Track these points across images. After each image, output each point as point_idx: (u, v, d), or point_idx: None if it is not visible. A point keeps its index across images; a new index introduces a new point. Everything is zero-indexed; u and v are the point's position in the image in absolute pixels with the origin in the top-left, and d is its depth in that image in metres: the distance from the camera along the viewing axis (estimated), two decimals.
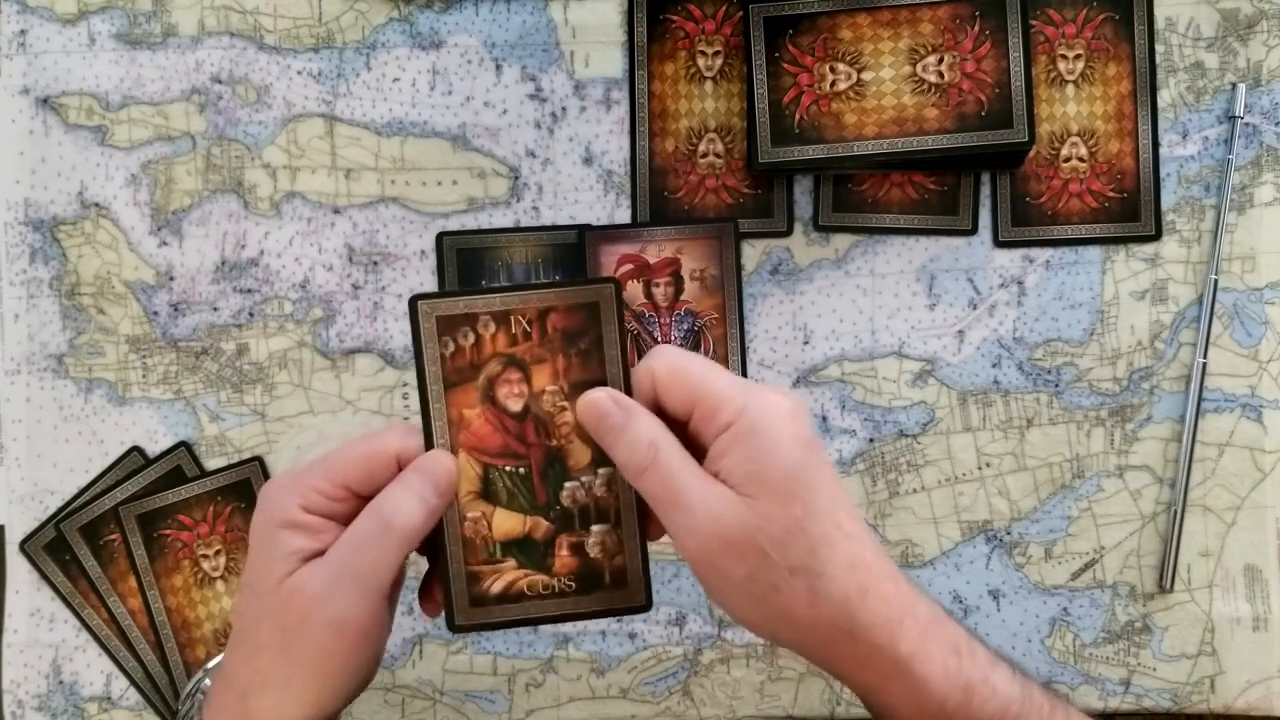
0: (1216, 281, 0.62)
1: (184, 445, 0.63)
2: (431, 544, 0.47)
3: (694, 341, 0.62)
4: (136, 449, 0.63)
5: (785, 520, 0.42)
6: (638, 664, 0.63)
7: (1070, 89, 0.63)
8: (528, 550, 0.47)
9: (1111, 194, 0.63)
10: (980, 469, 0.63)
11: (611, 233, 0.62)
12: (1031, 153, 0.62)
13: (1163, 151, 0.63)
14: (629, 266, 0.62)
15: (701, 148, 0.63)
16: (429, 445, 0.46)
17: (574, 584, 0.47)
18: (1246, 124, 0.62)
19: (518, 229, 0.63)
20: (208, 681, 0.48)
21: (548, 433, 0.47)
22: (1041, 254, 0.63)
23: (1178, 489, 0.62)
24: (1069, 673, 0.62)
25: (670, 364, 0.45)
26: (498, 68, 0.63)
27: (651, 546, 0.48)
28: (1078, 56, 0.63)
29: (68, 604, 0.62)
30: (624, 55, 0.63)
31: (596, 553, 0.47)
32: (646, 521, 0.47)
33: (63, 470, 0.63)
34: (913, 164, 0.62)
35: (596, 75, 0.63)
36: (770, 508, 0.42)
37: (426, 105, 0.63)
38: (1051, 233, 0.63)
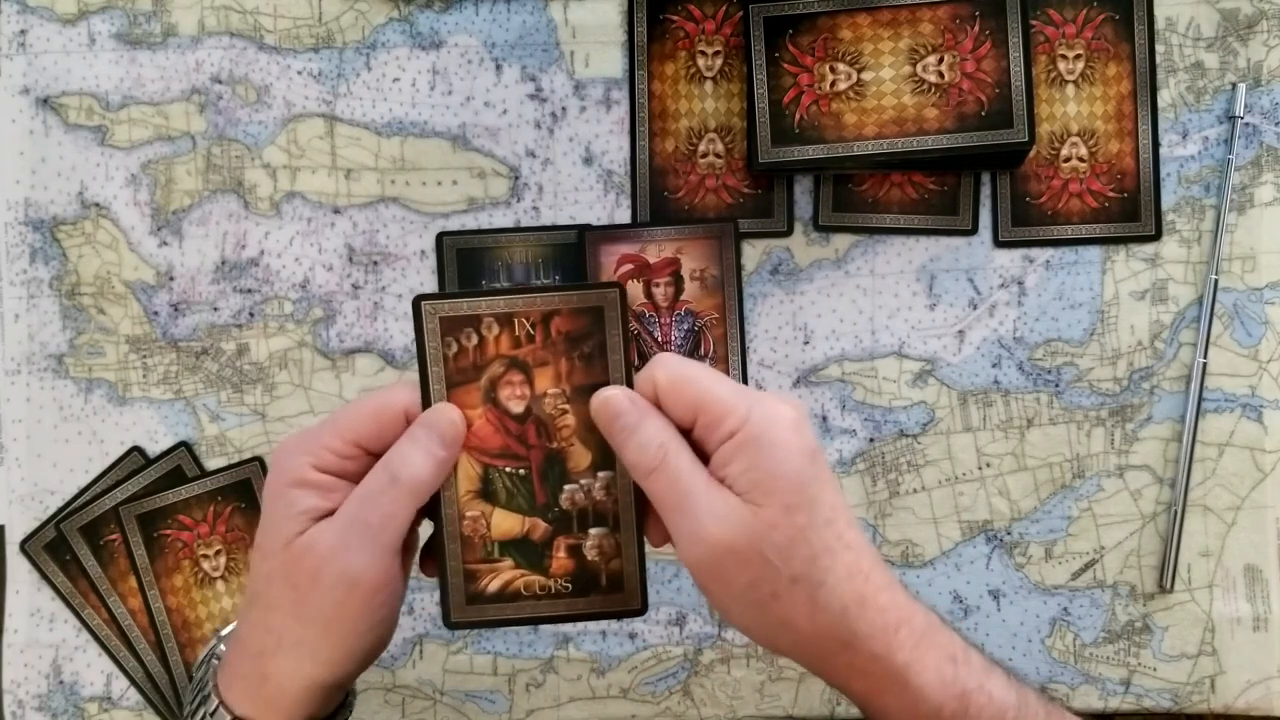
0: (1217, 281, 0.62)
1: (184, 445, 0.63)
2: (431, 502, 0.47)
3: (694, 341, 0.62)
4: (137, 449, 0.63)
5: (789, 529, 0.43)
6: (638, 664, 0.63)
7: (1070, 89, 0.63)
8: (525, 551, 0.47)
9: (1112, 194, 0.63)
10: (980, 469, 0.63)
11: (611, 233, 0.62)
12: (1031, 153, 0.62)
13: (1163, 151, 0.63)
14: (629, 266, 0.62)
15: (701, 148, 0.63)
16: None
17: (570, 586, 0.47)
18: (1246, 124, 0.62)
19: (518, 229, 0.63)
20: (222, 647, 0.49)
21: (549, 435, 0.47)
22: (1041, 254, 0.63)
23: (1178, 489, 0.62)
24: (1069, 673, 0.62)
25: (672, 372, 0.45)
26: (498, 68, 0.63)
27: (650, 549, 0.48)
28: (1078, 56, 0.63)
29: (68, 604, 0.62)
30: (624, 55, 0.63)
31: (594, 555, 0.47)
32: (646, 527, 0.47)
33: (63, 470, 0.63)
34: (913, 164, 0.62)
35: (596, 75, 0.63)
36: (775, 516, 0.43)
37: (426, 105, 0.63)
38: (1051, 233, 0.63)
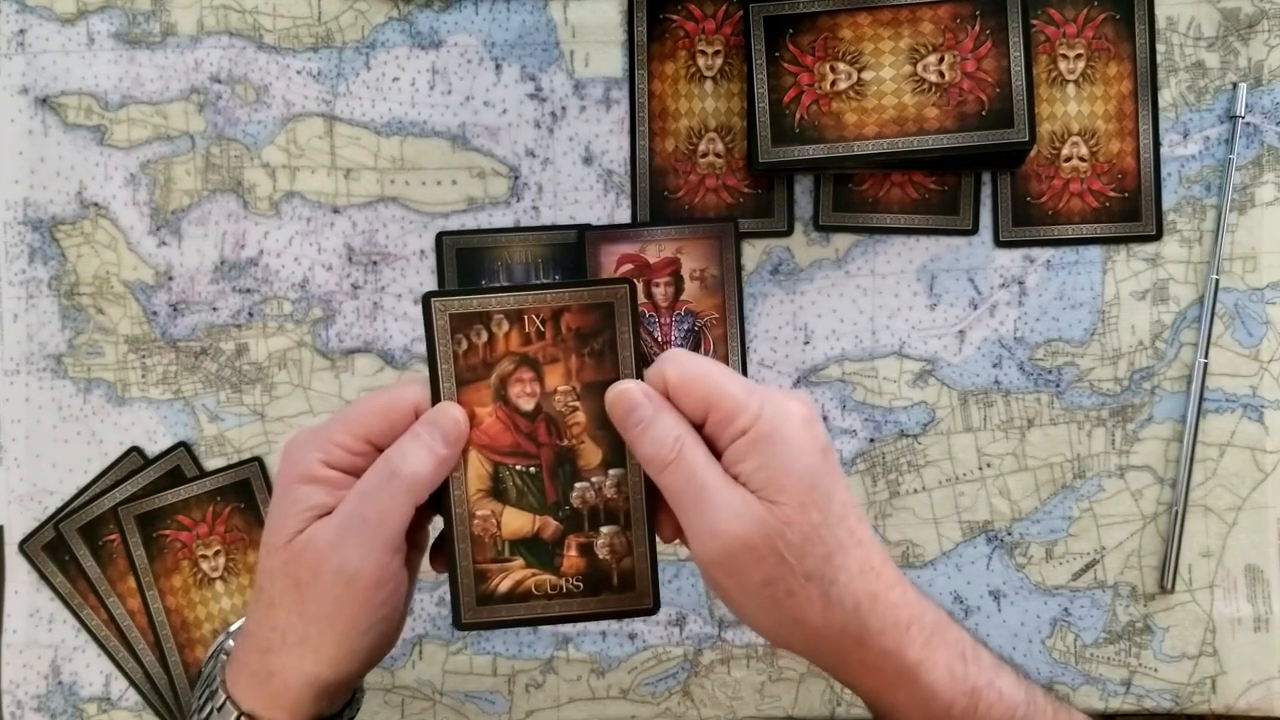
0: (1217, 281, 0.62)
1: (183, 445, 0.63)
2: (441, 500, 0.47)
3: (694, 341, 0.62)
4: (136, 449, 0.63)
5: (804, 526, 0.43)
6: (638, 664, 0.63)
7: (1071, 88, 0.63)
8: (536, 550, 0.47)
9: (1112, 194, 0.63)
10: (981, 469, 0.63)
11: (611, 233, 0.62)
12: (1032, 152, 0.62)
13: (1164, 151, 0.63)
14: (629, 266, 0.62)
15: (701, 147, 0.63)
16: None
17: (581, 585, 0.47)
18: (1247, 123, 0.62)
19: (517, 229, 0.63)
20: (231, 642, 0.49)
21: (559, 432, 0.47)
22: (1042, 254, 0.63)
23: (1179, 489, 0.62)
24: (1070, 673, 0.62)
25: (684, 369, 0.45)
26: (497, 67, 0.63)
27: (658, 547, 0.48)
28: (1078, 56, 0.63)
29: (67, 604, 0.62)
30: (624, 55, 0.63)
31: (605, 554, 0.47)
32: (656, 522, 0.47)
33: (62, 470, 0.63)
34: (913, 164, 0.62)
35: (596, 75, 0.63)
36: (790, 513, 0.43)
37: (426, 105, 0.63)
38: (1052, 232, 0.63)
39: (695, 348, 0.62)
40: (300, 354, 0.63)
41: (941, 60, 0.60)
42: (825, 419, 0.63)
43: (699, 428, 0.45)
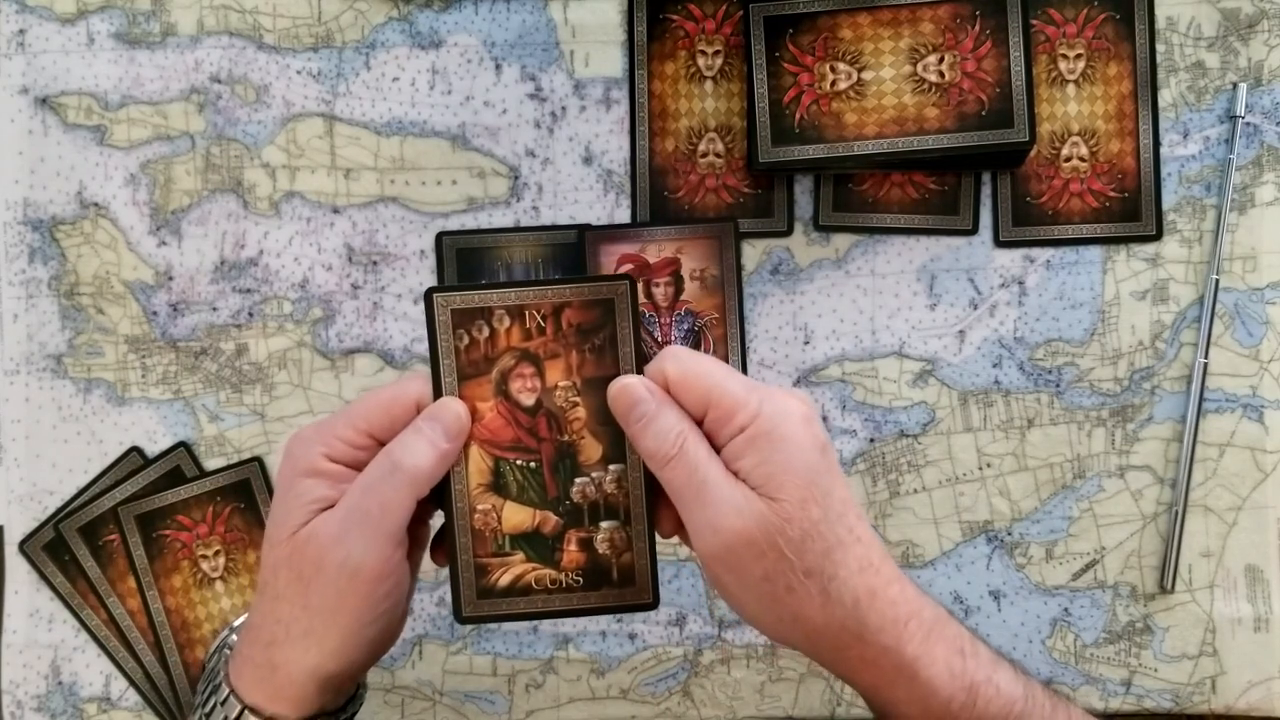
0: (1218, 281, 0.62)
1: (183, 445, 0.63)
2: (442, 495, 0.47)
3: (694, 341, 0.62)
4: (135, 449, 0.63)
5: (804, 523, 0.43)
6: (638, 664, 0.63)
7: (1071, 88, 0.63)
8: (536, 544, 0.47)
9: (1112, 194, 0.63)
10: (981, 469, 0.63)
11: (611, 232, 0.62)
12: (1032, 152, 0.62)
13: (1164, 151, 0.63)
14: (629, 266, 0.62)
15: (701, 147, 0.63)
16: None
17: (581, 579, 0.47)
18: (1247, 123, 0.62)
19: (517, 229, 0.63)
20: (234, 638, 0.49)
21: (559, 428, 0.47)
22: (1042, 254, 0.63)
23: (1179, 489, 0.62)
24: (1070, 673, 0.62)
25: (683, 366, 0.45)
26: (497, 67, 0.63)
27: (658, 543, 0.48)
28: (1078, 56, 0.63)
29: (67, 604, 0.62)
30: (624, 55, 0.63)
31: (605, 549, 0.47)
32: (656, 517, 0.48)
33: (62, 470, 0.63)
34: (913, 164, 0.62)
35: (596, 75, 0.63)
36: (790, 510, 0.43)
37: (426, 105, 0.63)
38: (1052, 232, 0.63)
39: (695, 348, 0.62)
40: (300, 354, 0.63)
41: (941, 60, 0.60)
42: (825, 419, 0.63)
43: (698, 424, 0.45)
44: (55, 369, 0.63)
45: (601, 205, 0.63)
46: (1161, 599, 0.62)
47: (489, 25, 0.63)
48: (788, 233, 0.63)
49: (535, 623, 0.62)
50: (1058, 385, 0.63)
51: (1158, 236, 0.63)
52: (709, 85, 0.63)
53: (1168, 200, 0.63)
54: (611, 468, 0.47)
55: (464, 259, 0.62)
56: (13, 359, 0.63)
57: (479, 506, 0.47)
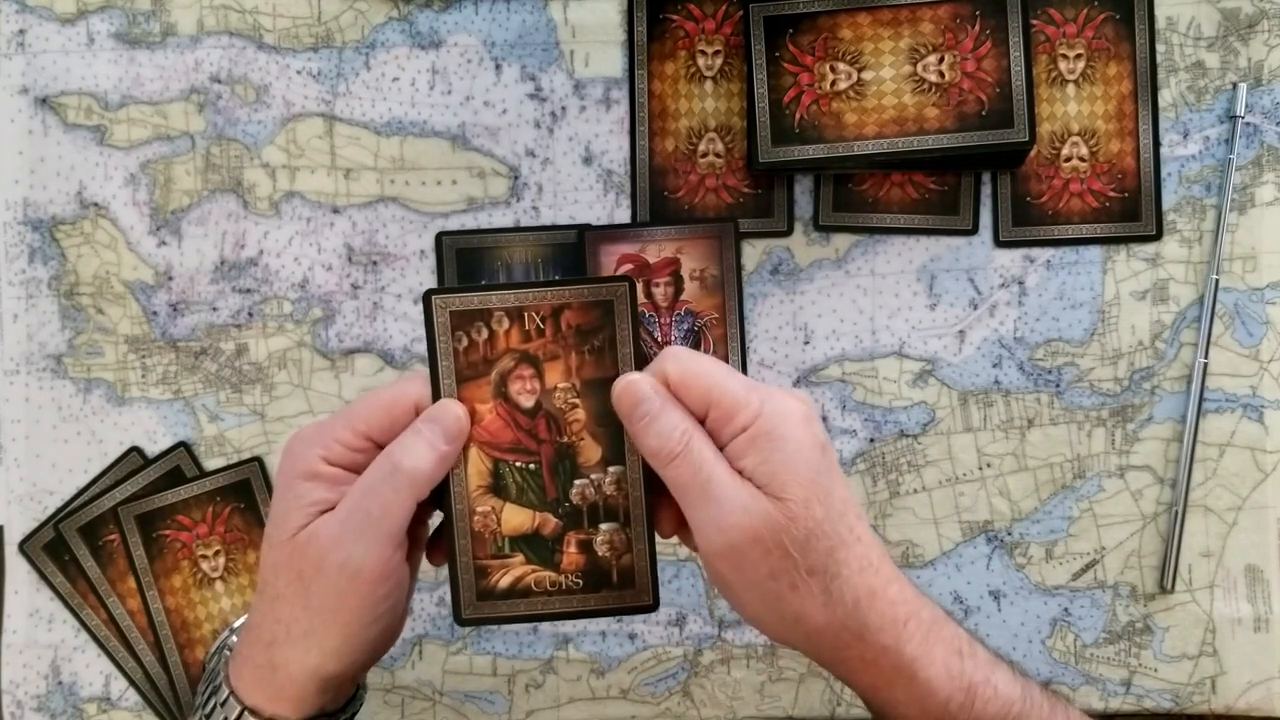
0: (1217, 281, 0.62)
1: (183, 445, 0.63)
2: (442, 496, 0.47)
3: (694, 341, 0.62)
4: (135, 449, 0.63)
5: (808, 522, 0.43)
6: (638, 664, 0.62)
7: (1071, 88, 0.63)
8: (536, 546, 0.47)
9: (1112, 194, 0.63)
10: (981, 469, 0.63)
11: (611, 232, 0.62)
12: (1032, 152, 0.62)
13: (1163, 151, 0.63)
14: (629, 266, 0.62)
15: (701, 147, 0.63)
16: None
17: (581, 582, 0.47)
18: (1247, 123, 0.62)
19: (517, 229, 0.63)
20: (234, 638, 0.49)
21: (559, 429, 0.47)
22: (1042, 254, 0.63)
23: (1179, 489, 0.62)
24: (1070, 673, 0.62)
25: (684, 366, 0.45)
26: (497, 67, 0.63)
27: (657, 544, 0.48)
28: (1078, 56, 0.63)
29: (67, 604, 0.62)
30: (624, 55, 0.63)
31: (604, 551, 0.47)
32: (656, 517, 0.48)
33: (62, 470, 0.63)
34: (913, 164, 0.62)
35: (596, 75, 0.63)
36: (794, 509, 0.43)
37: (426, 105, 0.63)
38: (1052, 232, 0.63)
39: (695, 348, 0.62)
40: (300, 354, 0.63)
41: (941, 60, 0.60)
42: (825, 419, 0.63)
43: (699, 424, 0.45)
44: (55, 369, 0.63)
45: (601, 205, 0.63)
46: (1161, 599, 0.62)
47: (489, 25, 0.63)
48: (788, 233, 0.63)
49: (535, 624, 0.62)
50: (1058, 385, 0.63)
51: (1158, 236, 0.63)
52: (709, 85, 0.63)
53: (1168, 200, 0.63)
54: (611, 470, 0.47)
55: (464, 259, 0.62)
56: (13, 359, 0.63)
57: (478, 508, 0.47)
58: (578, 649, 0.63)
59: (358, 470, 0.45)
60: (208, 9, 0.63)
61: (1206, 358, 0.62)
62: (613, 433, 0.47)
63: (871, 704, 0.47)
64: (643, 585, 0.48)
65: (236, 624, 0.51)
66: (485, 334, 0.46)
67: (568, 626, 0.62)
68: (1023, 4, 0.60)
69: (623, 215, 0.63)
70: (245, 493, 0.63)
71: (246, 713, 0.46)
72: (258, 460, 0.63)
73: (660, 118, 0.63)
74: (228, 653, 0.49)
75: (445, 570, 0.48)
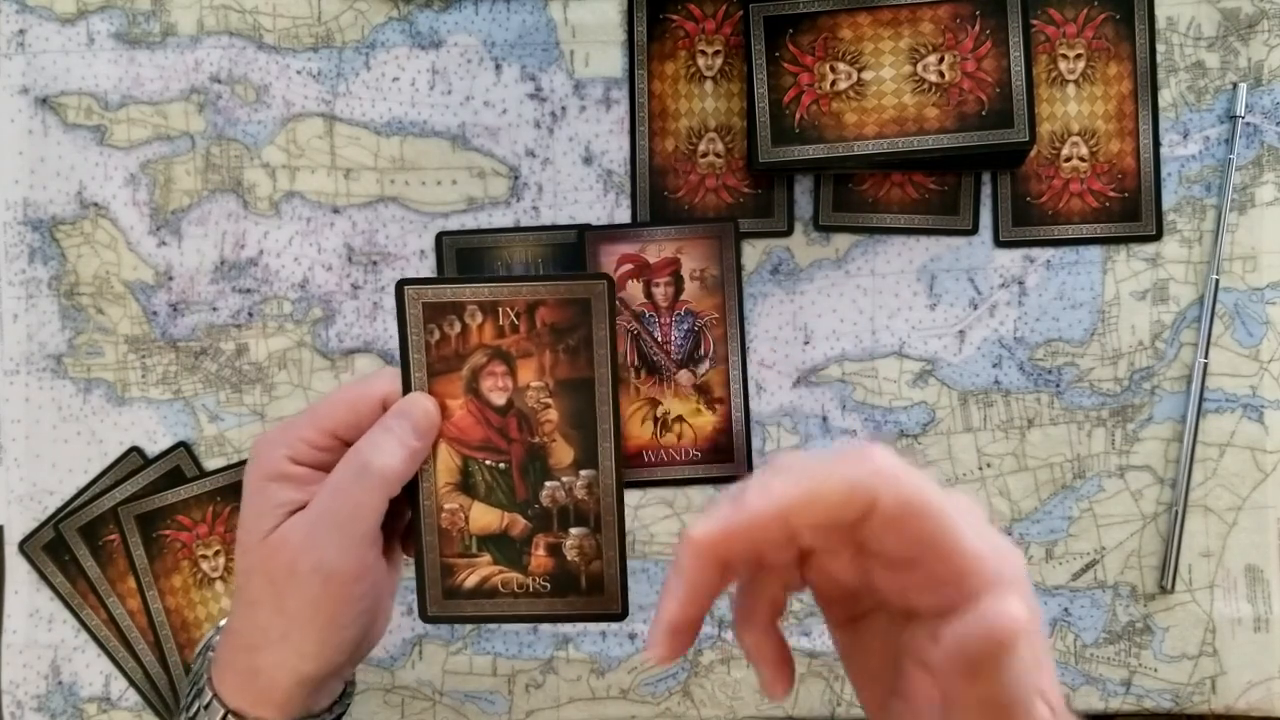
0: (1218, 281, 0.62)
1: (183, 445, 0.63)
2: (414, 494, 0.46)
3: (694, 341, 0.62)
4: (135, 449, 0.63)
5: None
6: (637, 664, 0.62)
7: (1071, 88, 0.63)
8: (504, 547, 0.47)
9: (1112, 194, 0.63)
10: (981, 469, 0.63)
11: (611, 232, 0.62)
12: (1032, 152, 0.62)
13: (1164, 151, 0.63)
14: (629, 266, 0.62)
15: (701, 147, 0.63)
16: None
17: (549, 585, 0.47)
18: (1247, 124, 0.62)
19: (517, 229, 0.63)
20: (218, 639, 0.49)
21: (530, 429, 0.46)
22: (1042, 254, 0.63)
23: (1179, 489, 0.62)
24: (1070, 673, 0.62)
25: (904, 496, 0.34)
26: (497, 67, 0.63)
27: (631, 551, 0.47)
28: (1078, 56, 0.63)
29: (67, 604, 0.62)
30: (624, 55, 0.63)
31: (574, 556, 0.46)
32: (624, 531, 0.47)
33: (61, 470, 0.63)
34: (913, 164, 0.62)
35: (596, 75, 0.63)
36: None
37: (426, 105, 0.63)
38: (1052, 232, 0.63)
39: (695, 348, 0.62)
40: (300, 354, 0.63)
41: (941, 60, 0.60)
42: (825, 419, 0.63)
43: (865, 566, 0.37)
44: (55, 369, 0.63)
45: (601, 205, 0.63)
46: (1161, 599, 0.62)
47: (489, 25, 0.63)
48: (788, 233, 0.63)
49: (534, 625, 0.62)
50: (1058, 385, 0.63)
51: (1158, 236, 0.62)
52: (709, 85, 0.63)
53: (1168, 200, 0.63)
54: (583, 473, 0.46)
55: (464, 259, 0.62)
56: (13, 359, 0.63)
57: (446, 505, 0.46)
58: (578, 649, 0.63)
59: (326, 469, 0.45)
60: (208, 9, 0.63)
61: (1206, 358, 0.62)
62: (585, 435, 0.46)
63: None
64: (611, 593, 0.47)
65: (221, 624, 0.50)
66: (458, 328, 0.45)
67: (567, 626, 0.62)
68: (1023, 4, 0.60)
69: (623, 215, 0.63)
70: None
71: (230, 716, 0.46)
72: None
73: (660, 118, 0.63)
74: (210, 654, 0.48)
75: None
